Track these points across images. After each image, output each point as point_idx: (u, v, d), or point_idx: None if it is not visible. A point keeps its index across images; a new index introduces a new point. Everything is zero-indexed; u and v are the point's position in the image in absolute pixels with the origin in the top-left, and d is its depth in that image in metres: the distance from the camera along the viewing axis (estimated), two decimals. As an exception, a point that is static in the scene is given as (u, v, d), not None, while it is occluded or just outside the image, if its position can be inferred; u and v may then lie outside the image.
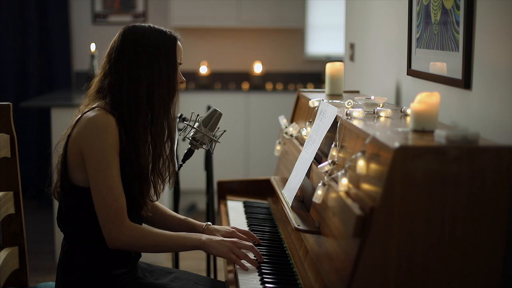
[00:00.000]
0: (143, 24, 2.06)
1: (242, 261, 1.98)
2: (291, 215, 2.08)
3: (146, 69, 1.99)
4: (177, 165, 2.37)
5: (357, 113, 2.01)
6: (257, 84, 5.97)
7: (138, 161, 1.99)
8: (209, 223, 2.20)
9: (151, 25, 2.07)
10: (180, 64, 2.09)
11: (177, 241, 2.02)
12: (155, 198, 2.12)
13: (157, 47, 2.02)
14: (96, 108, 1.97)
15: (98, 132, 1.93)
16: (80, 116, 1.99)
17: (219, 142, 2.27)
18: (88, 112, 1.98)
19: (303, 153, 2.26)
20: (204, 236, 2.02)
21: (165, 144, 2.07)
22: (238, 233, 2.14)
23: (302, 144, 2.38)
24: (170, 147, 2.10)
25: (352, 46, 3.48)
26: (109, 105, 2.00)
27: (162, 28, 2.07)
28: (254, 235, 2.18)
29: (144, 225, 2.09)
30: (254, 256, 2.02)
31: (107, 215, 1.93)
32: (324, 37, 6.19)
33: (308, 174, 2.17)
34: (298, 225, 1.98)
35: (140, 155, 1.99)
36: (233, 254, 1.99)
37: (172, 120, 2.07)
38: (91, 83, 2.08)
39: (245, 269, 1.97)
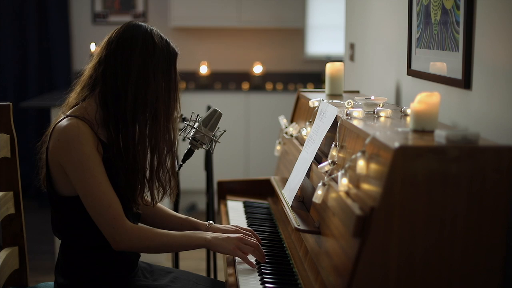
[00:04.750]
0: (154, 32, 2.01)
1: (248, 256, 1.98)
2: (291, 215, 2.08)
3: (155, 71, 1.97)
4: (177, 165, 2.37)
5: (357, 113, 2.01)
6: (257, 84, 5.97)
7: (126, 153, 1.95)
8: (211, 222, 2.18)
9: (161, 36, 2.02)
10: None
11: (182, 241, 1.99)
12: (150, 202, 2.07)
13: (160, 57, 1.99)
14: (67, 118, 1.94)
15: (72, 142, 1.89)
16: (54, 127, 1.96)
17: (219, 142, 2.27)
18: (60, 123, 1.95)
19: (303, 153, 2.26)
20: (209, 235, 2.00)
21: (166, 157, 2.04)
22: (242, 230, 2.13)
23: (302, 144, 2.38)
24: (171, 161, 2.06)
25: (352, 46, 3.48)
26: (96, 96, 1.97)
27: (166, 39, 2.03)
28: (256, 234, 2.17)
29: (146, 226, 2.08)
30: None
31: (105, 222, 1.91)
32: (324, 37, 6.19)
33: (308, 174, 2.17)
34: (298, 225, 1.98)
35: (129, 148, 1.95)
36: (239, 251, 1.98)
37: (173, 132, 2.04)
38: (84, 70, 2.06)
39: (253, 266, 1.97)
